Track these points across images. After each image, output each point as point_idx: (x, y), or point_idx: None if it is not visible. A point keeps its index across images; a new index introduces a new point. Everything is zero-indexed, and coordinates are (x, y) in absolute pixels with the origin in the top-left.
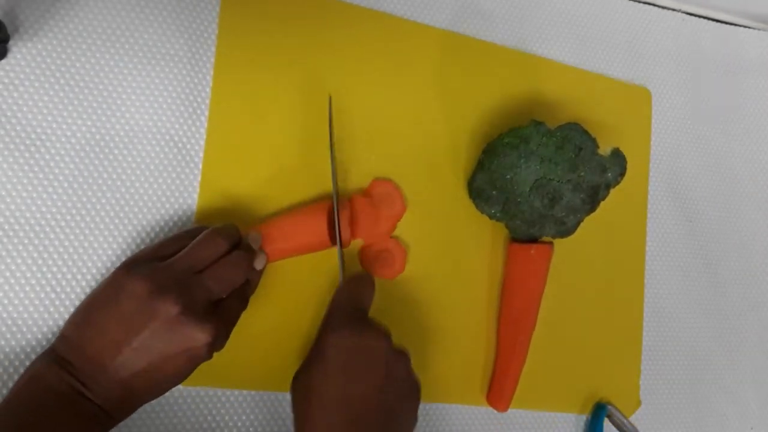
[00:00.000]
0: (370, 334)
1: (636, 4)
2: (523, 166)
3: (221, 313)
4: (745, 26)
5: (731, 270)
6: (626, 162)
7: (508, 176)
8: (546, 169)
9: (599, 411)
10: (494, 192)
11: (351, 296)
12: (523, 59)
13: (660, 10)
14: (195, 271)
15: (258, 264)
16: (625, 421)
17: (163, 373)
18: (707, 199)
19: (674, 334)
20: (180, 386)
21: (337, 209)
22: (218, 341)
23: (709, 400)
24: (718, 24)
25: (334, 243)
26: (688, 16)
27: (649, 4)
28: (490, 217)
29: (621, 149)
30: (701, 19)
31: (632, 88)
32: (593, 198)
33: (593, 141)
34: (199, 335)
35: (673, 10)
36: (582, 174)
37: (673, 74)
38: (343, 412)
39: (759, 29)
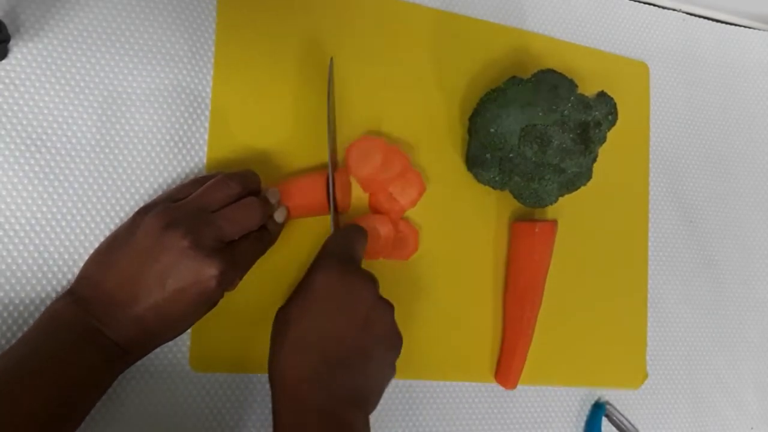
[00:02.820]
0: (357, 279)
1: (636, 3)
2: (503, 116)
3: (233, 252)
4: (745, 26)
5: (732, 270)
6: (614, 102)
7: (492, 129)
8: (528, 115)
9: (597, 410)
10: (488, 155)
11: (343, 243)
12: (520, 36)
13: (660, 9)
14: (207, 211)
15: (278, 216)
16: (624, 419)
17: (174, 308)
18: (707, 198)
19: (675, 334)
20: (192, 372)
21: (332, 173)
22: (227, 278)
23: (709, 400)
24: (718, 24)
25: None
26: (689, 15)
27: (650, 4)
28: (492, 185)
29: (621, 123)
30: (701, 19)
31: (630, 62)
32: (584, 137)
33: (570, 80)
34: (206, 269)
35: (674, 10)
36: (565, 113)
37: (673, 74)
38: (317, 347)
39: (759, 29)
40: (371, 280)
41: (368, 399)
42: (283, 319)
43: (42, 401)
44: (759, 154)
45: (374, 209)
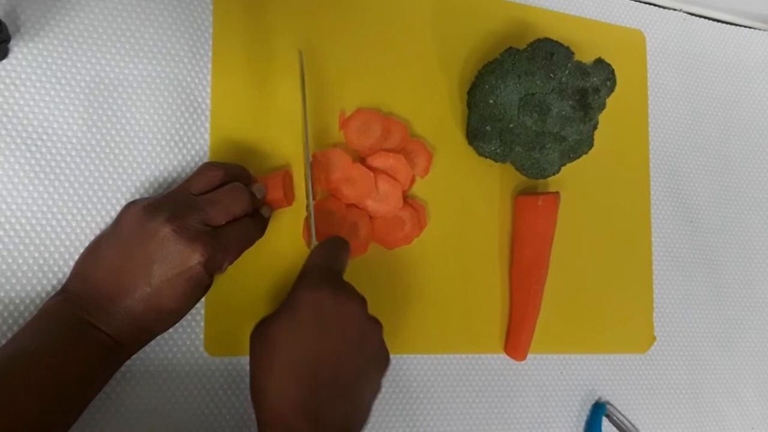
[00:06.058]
0: (348, 297)
1: (637, 3)
2: (501, 86)
3: (219, 236)
4: (745, 26)
5: (732, 270)
6: (612, 68)
7: (491, 101)
8: (526, 84)
9: (597, 410)
10: (488, 127)
11: (328, 256)
12: (517, 8)
13: (661, 9)
14: (190, 196)
15: (264, 212)
16: (624, 420)
17: (163, 297)
18: (708, 199)
19: (675, 334)
20: (207, 356)
21: (308, 167)
22: (213, 262)
23: (709, 400)
24: (719, 24)
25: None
26: (689, 15)
27: (650, 3)
28: (493, 157)
29: (619, 91)
30: (702, 19)
31: (625, 31)
32: (583, 103)
33: (566, 47)
34: (190, 253)
35: (674, 9)
36: (563, 80)
37: (674, 74)
38: (309, 373)
39: (759, 29)
40: (361, 299)
41: (359, 421)
42: (270, 338)
43: (36, 397)
44: (759, 153)
45: (345, 200)
